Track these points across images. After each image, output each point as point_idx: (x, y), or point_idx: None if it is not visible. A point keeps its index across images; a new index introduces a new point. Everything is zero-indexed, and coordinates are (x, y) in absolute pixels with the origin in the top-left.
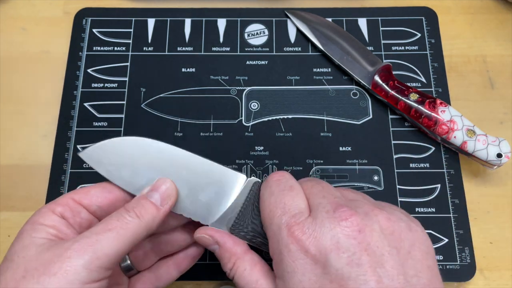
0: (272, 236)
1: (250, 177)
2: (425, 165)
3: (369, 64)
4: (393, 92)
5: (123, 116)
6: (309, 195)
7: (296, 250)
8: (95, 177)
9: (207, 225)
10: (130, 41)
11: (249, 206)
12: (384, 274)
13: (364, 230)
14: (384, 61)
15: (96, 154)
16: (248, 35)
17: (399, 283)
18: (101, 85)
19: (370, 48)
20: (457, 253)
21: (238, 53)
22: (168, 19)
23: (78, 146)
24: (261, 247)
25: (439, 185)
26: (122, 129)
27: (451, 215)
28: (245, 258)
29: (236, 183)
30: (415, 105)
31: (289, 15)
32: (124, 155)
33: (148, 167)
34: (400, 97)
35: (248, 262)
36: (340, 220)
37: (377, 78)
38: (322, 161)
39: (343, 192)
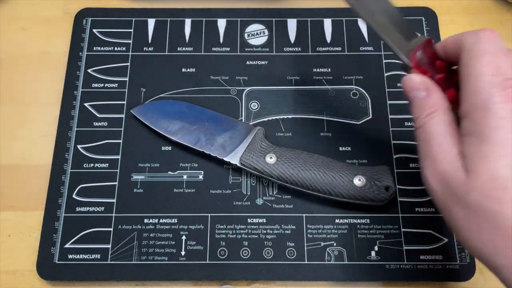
0: (475, 92)
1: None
2: None
3: (407, 34)
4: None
5: (123, 116)
6: None
7: (508, 108)
8: (95, 177)
9: (223, 158)
10: (130, 41)
11: (254, 144)
12: None
13: None
14: (384, 61)
15: (143, 110)
16: (248, 35)
17: None
18: (101, 85)
19: (370, 48)
20: (456, 253)
21: (238, 53)
22: (168, 19)
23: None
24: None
25: None
26: (122, 129)
27: None
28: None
29: (244, 130)
30: None
31: None
32: (163, 111)
33: (180, 119)
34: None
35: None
36: None
37: (420, 53)
38: None
39: None
